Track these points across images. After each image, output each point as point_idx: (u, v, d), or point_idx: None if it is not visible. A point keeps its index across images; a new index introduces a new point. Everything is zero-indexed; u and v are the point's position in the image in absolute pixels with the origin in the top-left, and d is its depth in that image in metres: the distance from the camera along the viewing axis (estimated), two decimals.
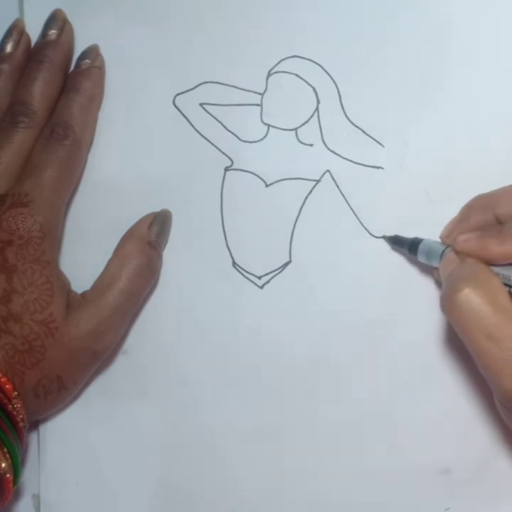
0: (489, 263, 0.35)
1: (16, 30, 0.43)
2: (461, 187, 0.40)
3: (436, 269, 0.39)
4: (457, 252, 0.37)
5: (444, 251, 0.38)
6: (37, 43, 0.43)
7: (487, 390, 0.41)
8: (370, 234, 0.42)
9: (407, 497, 0.41)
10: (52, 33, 0.43)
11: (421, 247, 0.39)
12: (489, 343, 0.32)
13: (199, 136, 0.43)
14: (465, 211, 0.39)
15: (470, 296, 0.33)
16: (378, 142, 0.42)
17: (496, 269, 0.35)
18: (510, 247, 0.35)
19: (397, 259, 0.42)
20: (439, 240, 0.40)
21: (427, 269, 0.41)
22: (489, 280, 0.34)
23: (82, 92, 0.42)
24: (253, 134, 0.43)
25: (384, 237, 0.42)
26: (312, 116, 0.43)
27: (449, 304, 0.33)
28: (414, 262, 0.41)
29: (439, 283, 0.41)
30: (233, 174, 0.43)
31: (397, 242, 0.41)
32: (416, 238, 0.40)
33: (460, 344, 0.41)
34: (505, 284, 0.34)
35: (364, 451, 0.41)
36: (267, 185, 0.42)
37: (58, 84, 0.42)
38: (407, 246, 0.40)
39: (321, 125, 0.43)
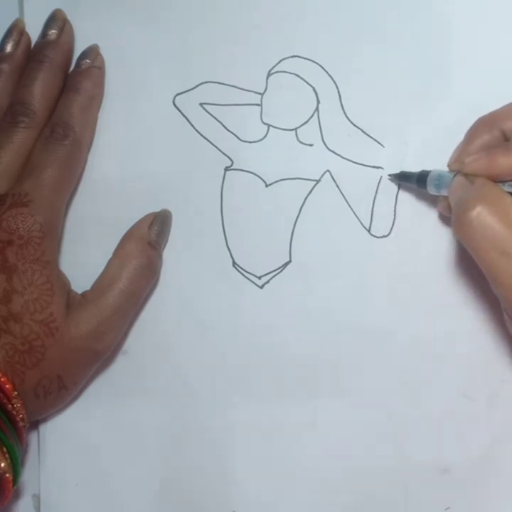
0: (499, 180, 0.35)
1: (16, 30, 0.43)
2: None
3: (442, 201, 0.39)
4: (466, 175, 0.36)
5: (454, 177, 0.37)
6: (37, 43, 0.43)
7: (487, 387, 0.41)
8: (370, 234, 0.42)
9: (407, 497, 0.41)
10: (52, 33, 0.42)
11: (430, 177, 0.38)
12: (502, 259, 0.32)
13: (199, 136, 0.43)
14: (470, 134, 0.38)
15: (482, 215, 0.33)
16: (378, 142, 0.42)
17: (506, 187, 0.35)
18: None
19: (397, 259, 0.42)
20: (447, 169, 0.39)
21: (427, 268, 0.41)
22: (500, 198, 0.34)
23: (82, 92, 0.42)
24: (253, 134, 0.43)
25: (390, 175, 0.41)
26: (312, 116, 0.43)
27: (460, 224, 0.33)
28: (415, 255, 0.41)
29: (443, 217, 0.41)
30: (233, 174, 0.43)
31: (404, 178, 0.41)
32: (423, 170, 0.39)
33: (460, 343, 0.41)
34: None
35: (364, 451, 0.41)
36: (267, 185, 0.42)
37: (58, 84, 0.42)
38: (414, 179, 0.40)
39: (321, 125, 0.43)
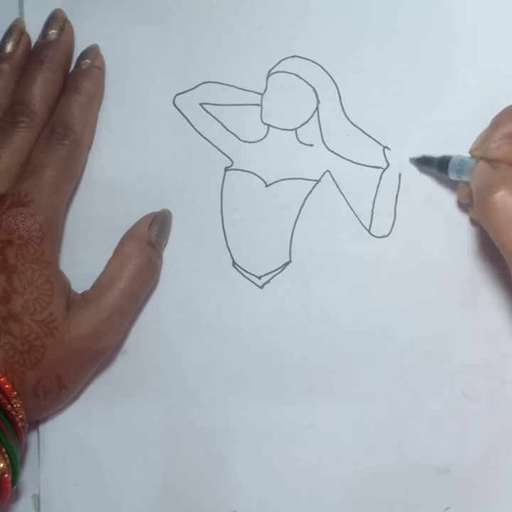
0: None
1: (16, 30, 0.43)
2: None
3: (461, 188, 0.39)
4: (489, 161, 0.37)
5: (476, 163, 0.37)
6: (37, 43, 0.43)
7: (487, 387, 0.41)
8: (370, 234, 0.42)
9: (407, 497, 0.41)
10: (53, 32, 0.43)
11: (452, 162, 0.39)
12: None
13: (199, 136, 0.43)
14: (494, 122, 0.39)
15: (505, 198, 0.34)
16: (378, 142, 0.42)
17: None
18: None
19: (397, 259, 0.42)
20: (469, 155, 0.39)
21: (427, 268, 0.41)
22: None
23: (82, 92, 0.42)
24: (253, 134, 0.43)
25: (410, 159, 0.42)
26: (312, 116, 0.43)
27: (484, 206, 0.34)
28: (417, 254, 0.41)
29: (461, 204, 0.41)
30: (233, 174, 0.43)
31: (424, 162, 0.41)
32: (445, 156, 0.40)
33: (460, 343, 0.41)
34: None
35: (364, 451, 0.41)
36: (267, 185, 0.42)
37: (58, 84, 0.42)
38: (436, 164, 0.40)
39: (321, 125, 0.43)
